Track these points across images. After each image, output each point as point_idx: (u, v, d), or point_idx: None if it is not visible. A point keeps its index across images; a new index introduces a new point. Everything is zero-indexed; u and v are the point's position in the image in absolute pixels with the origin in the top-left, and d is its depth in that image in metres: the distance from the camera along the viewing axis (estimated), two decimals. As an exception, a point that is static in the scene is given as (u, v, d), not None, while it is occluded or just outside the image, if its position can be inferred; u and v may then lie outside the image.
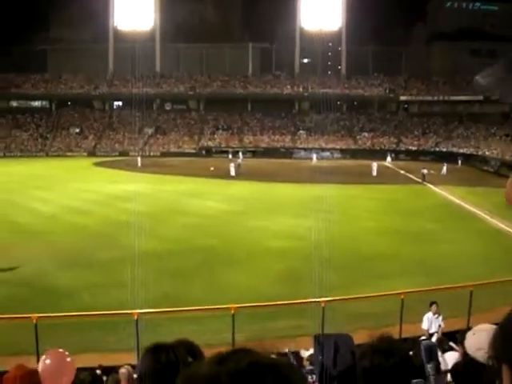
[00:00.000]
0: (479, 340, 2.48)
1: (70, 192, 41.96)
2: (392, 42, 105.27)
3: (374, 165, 57.65)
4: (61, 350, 3.07)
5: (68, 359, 3.13)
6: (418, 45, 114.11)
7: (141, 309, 12.82)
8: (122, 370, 8.59)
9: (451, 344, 10.00)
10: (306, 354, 10.59)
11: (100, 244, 24.71)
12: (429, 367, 5.33)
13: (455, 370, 3.31)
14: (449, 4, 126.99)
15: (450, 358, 7.16)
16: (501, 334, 1.53)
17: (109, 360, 12.45)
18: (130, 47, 79.42)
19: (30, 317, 12.44)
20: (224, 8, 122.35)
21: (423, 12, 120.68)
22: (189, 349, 2.35)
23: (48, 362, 3.44)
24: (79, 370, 10.39)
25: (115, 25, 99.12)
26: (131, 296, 13.63)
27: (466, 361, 2.62)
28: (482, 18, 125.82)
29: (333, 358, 3.22)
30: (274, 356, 1.45)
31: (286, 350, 9.99)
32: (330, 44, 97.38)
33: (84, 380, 8.60)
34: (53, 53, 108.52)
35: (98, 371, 10.54)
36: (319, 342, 3.55)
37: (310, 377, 6.76)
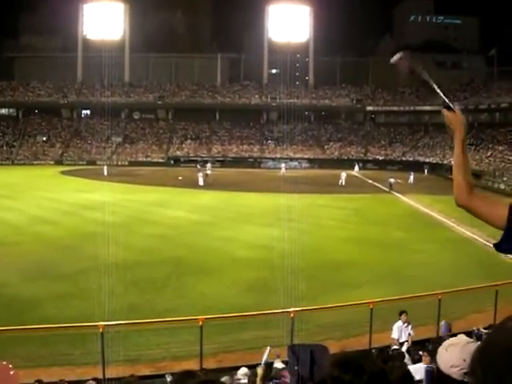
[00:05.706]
0: (452, 356, 2.37)
1: (36, 201, 41.15)
2: (359, 54, 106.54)
3: (343, 175, 57.43)
4: (4, 363, 2.92)
5: (11, 372, 2.99)
6: (385, 56, 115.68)
7: (107, 321, 12.52)
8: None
9: (421, 353, 10.00)
10: (280, 365, 10.31)
11: (66, 254, 24.20)
12: None
13: None
14: (413, 17, 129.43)
15: (417, 370, 7.05)
16: (479, 361, 1.41)
17: (74, 374, 12.15)
18: (99, 56, 78.65)
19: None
20: (193, 18, 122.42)
21: (389, 25, 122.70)
22: None
23: None
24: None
25: (84, 34, 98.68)
26: (97, 308, 13.32)
27: (440, 377, 2.49)
28: (445, 31, 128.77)
29: (309, 369, 3.11)
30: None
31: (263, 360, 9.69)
32: (298, 55, 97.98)
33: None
34: (21, 60, 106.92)
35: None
36: (294, 352, 3.43)
37: None
